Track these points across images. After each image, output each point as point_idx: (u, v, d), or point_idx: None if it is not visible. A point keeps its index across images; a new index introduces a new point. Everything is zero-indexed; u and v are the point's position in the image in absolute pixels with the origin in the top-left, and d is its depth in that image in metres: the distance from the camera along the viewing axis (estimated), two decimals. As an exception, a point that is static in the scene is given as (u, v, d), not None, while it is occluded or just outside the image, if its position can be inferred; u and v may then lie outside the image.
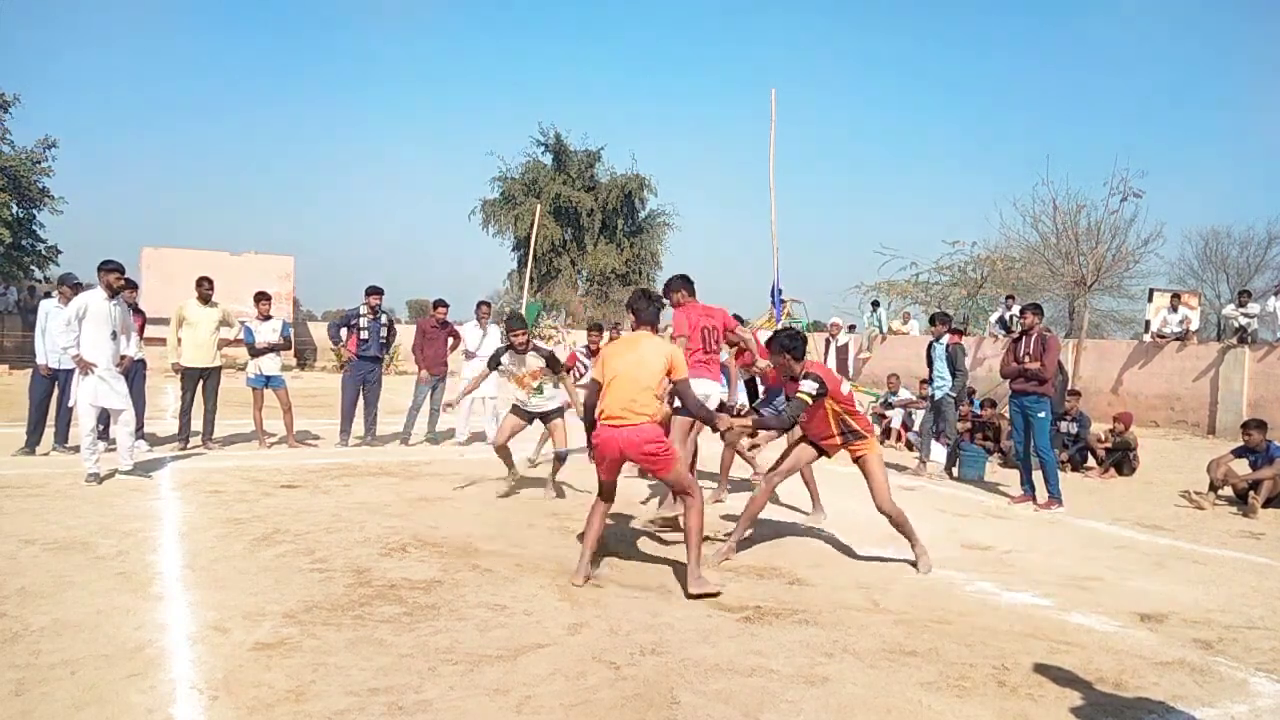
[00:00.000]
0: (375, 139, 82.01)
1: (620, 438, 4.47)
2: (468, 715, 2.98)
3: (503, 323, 7.33)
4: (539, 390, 6.83)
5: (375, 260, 75.59)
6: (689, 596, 4.35)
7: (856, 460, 5.20)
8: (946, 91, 74.06)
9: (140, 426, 8.59)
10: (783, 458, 5.46)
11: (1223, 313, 17.29)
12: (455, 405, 7.94)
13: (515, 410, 6.90)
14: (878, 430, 12.13)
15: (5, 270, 22.56)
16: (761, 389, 7.26)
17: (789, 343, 5.14)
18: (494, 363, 6.87)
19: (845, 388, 5.18)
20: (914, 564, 5.12)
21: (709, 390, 5.90)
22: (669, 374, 4.58)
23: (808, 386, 4.92)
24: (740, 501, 7.11)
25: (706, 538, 5.75)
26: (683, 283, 6.17)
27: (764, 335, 7.08)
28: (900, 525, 5.18)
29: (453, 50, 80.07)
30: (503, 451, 6.94)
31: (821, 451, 5.30)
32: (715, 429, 5.11)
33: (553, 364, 6.81)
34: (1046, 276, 18.66)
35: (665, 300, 5.99)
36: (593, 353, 8.72)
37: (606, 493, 4.69)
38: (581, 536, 4.81)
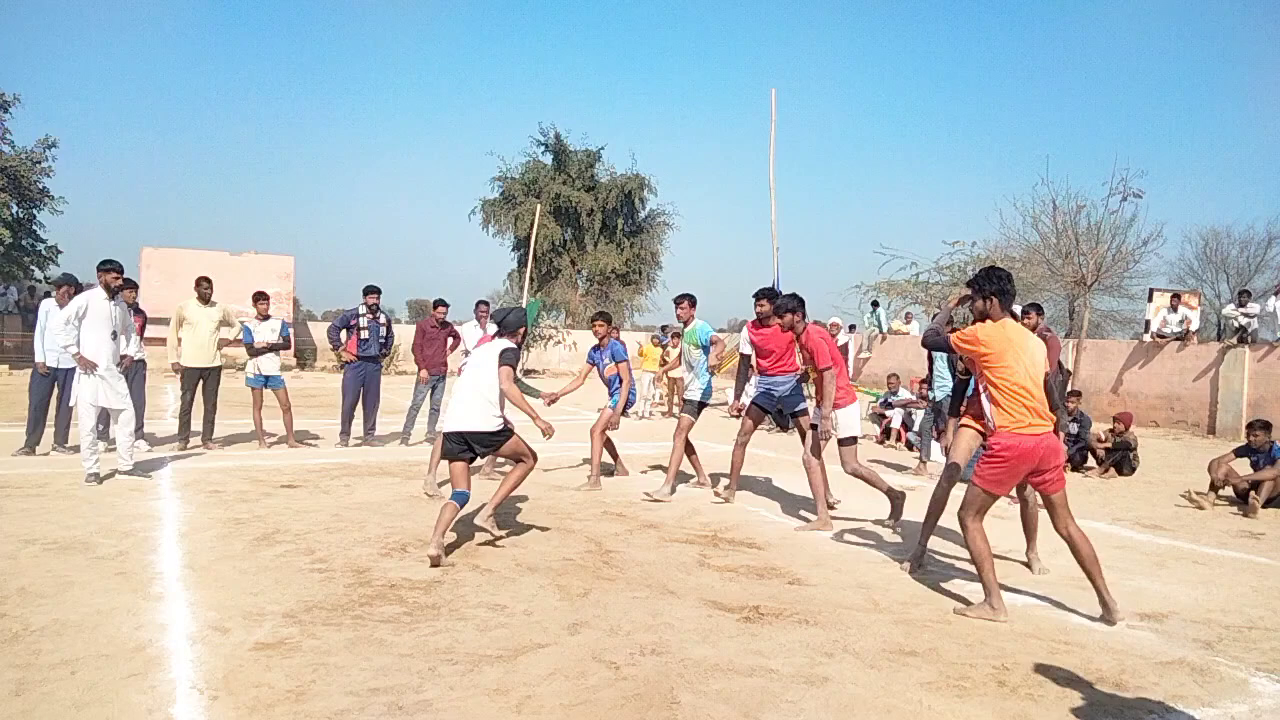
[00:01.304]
0: (375, 139, 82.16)
1: (1044, 444, 4.16)
2: (468, 715, 2.98)
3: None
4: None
5: (375, 260, 75.69)
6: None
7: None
8: (947, 91, 74.12)
9: (140, 426, 8.59)
10: (958, 444, 5.15)
11: (1223, 313, 17.29)
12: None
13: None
14: (877, 430, 12.14)
15: (5, 270, 22.58)
16: (753, 376, 7.18)
17: (1003, 284, 4.38)
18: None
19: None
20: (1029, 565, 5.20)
21: (856, 413, 6.17)
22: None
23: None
24: (738, 503, 7.10)
25: (713, 535, 5.76)
26: (800, 303, 6.10)
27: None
28: (1026, 518, 5.20)
29: (453, 50, 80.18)
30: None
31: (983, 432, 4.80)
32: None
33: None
34: (1046, 276, 18.65)
35: (780, 317, 6.10)
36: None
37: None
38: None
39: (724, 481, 7.21)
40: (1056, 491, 4.27)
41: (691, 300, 7.60)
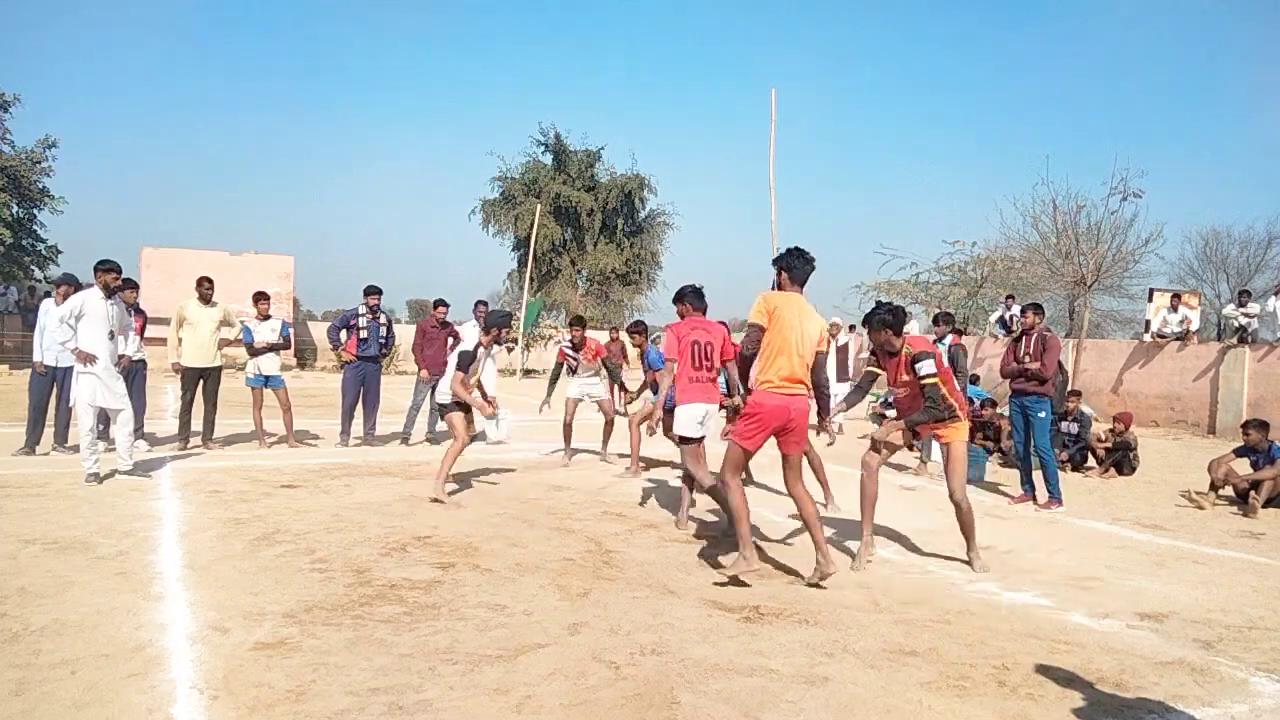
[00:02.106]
0: (376, 139, 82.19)
1: (792, 405, 4.50)
2: (468, 715, 2.98)
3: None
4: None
5: (375, 260, 75.71)
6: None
7: (943, 443, 5.07)
8: (947, 91, 74.12)
9: (140, 426, 8.59)
10: (875, 443, 5.25)
11: (1223, 313, 17.31)
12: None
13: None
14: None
15: (5, 270, 22.59)
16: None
17: (891, 317, 4.91)
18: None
19: (944, 359, 5.05)
20: (969, 563, 5.12)
21: (697, 413, 5.70)
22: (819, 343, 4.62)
23: (928, 367, 4.78)
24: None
25: (713, 534, 5.74)
26: (691, 294, 5.94)
27: None
28: (964, 520, 5.11)
29: (453, 50, 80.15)
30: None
31: (915, 434, 5.11)
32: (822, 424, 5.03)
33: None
34: (1046, 276, 18.67)
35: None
36: (575, 346, 8.81)
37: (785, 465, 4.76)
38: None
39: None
40: (794, 453, 4.65)
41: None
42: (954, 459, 5.05)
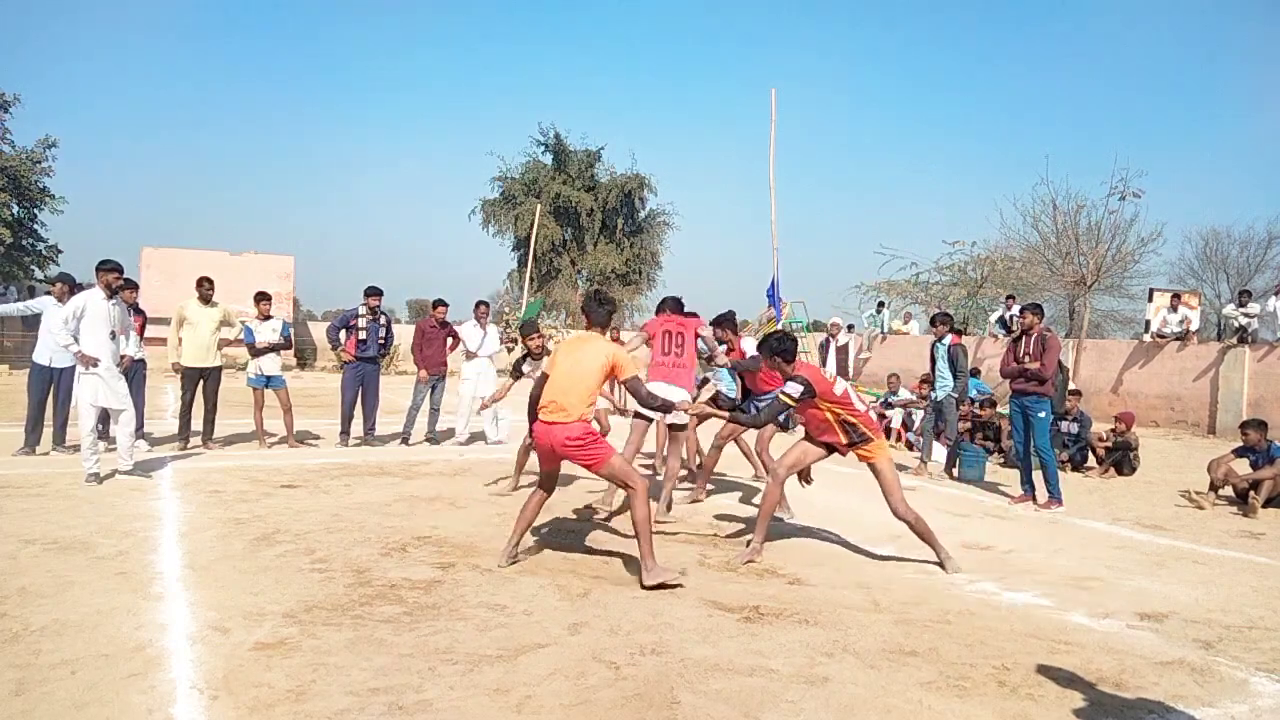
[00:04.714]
0: (376, 139, 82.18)
1: (549, 433, 4.67)
2: (468, 715, 2.98)
3: (517, 331, 7.43)
4: None
5: (375, 260, 75.71)
6: (645, 588, 4.43)
7: (867, 463, 5.19)
8: (947, 91, 74.15)
9: (140, 426, 8.59)
10: (788, 452, 5.45)
11: (1223, 313, 17.30)
12: (485, 407, 8.39)
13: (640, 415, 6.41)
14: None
15: (5, 270, 22.58)
16: (739, 389, 7.26)
17: (779, 345, 5.19)
18: (516, 373, 7.12)
19: (840, 388, 5.14)
20: (940, 565, 5.10)
21: (673, 394, 5.99)
22: (614, 373, 4.75)
23: (790, 389, 4.98)
24: (731, 501, 7.11)
25: (712, 535, 5.76)
26: (668, 303, 6.77)
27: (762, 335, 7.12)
28: (919, 530, 5.16)
29: (453, 50, 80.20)
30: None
31: (830, 449, 5.29)
32: (669, 413, 5.35)
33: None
34: (1046, 276, 18.68)
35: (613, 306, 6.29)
36: (535, 356, 8.21)
37: (545, 482, 4.96)
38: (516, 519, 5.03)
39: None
40: (596, 471, 4.74)
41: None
42: (880, 477, 5.14)
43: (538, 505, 4.98)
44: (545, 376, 4.88)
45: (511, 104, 75.64)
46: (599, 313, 5.06)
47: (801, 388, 4.96)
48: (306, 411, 12.07)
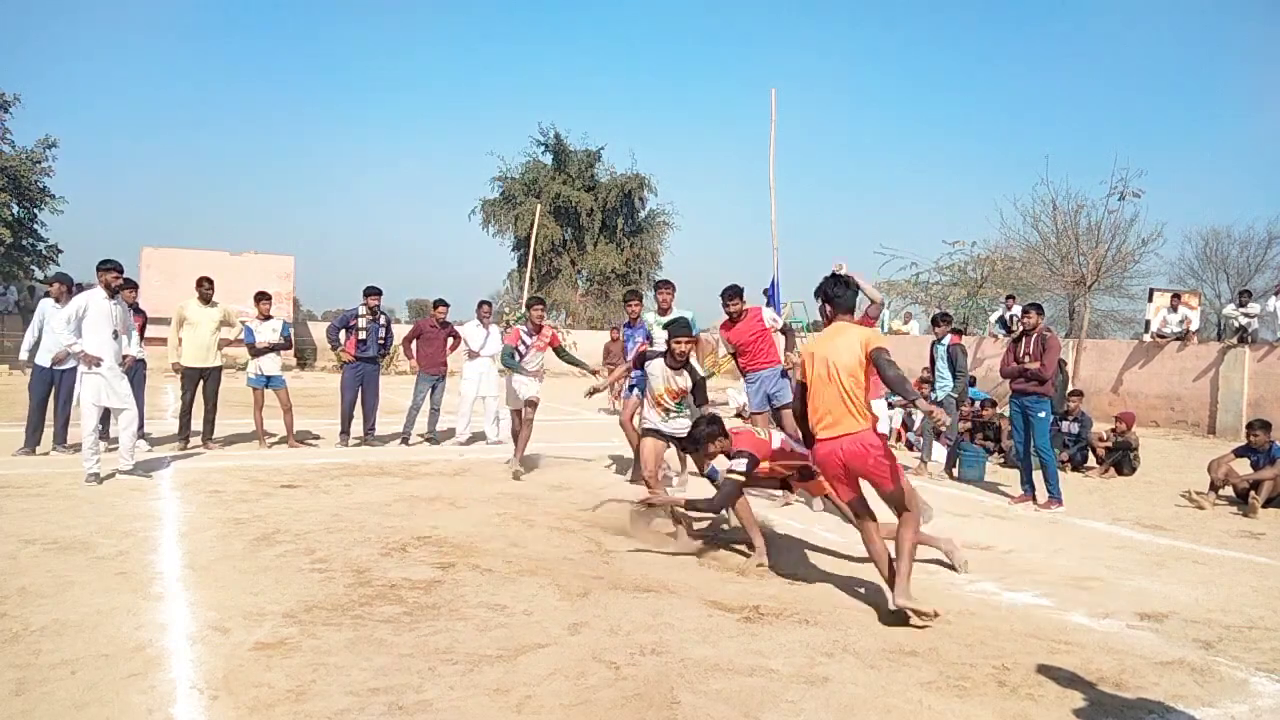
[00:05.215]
0: (375, 139, 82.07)
1: (839, 450, 4.13)
2: (468, 715, 2.98)
3: (663, 329, 6.58)
4: (674, 411, 5.89)
5: (375, 260, 75.57)
6: (892, 610, 4.04)
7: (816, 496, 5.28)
8: (947, 91, 74.15)
9: (141, 426, 8.59)
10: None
11: (1223, 313, 17.31)
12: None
13: (651, 433, 5.96)
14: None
15: (5, 270, 22.60)
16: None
17: (709, 430, 5.01)
18: (640, 361, 6.09)
19: (775, 441, 5.11)
20: (951, 566, 5.10)
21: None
22: (866, 357, 4.09)
23: (736, 465, 4.88)
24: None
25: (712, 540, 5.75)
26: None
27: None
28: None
29: (452, 50, 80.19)
30: (652, 479, 5.90)
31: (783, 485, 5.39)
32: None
33: (698, 391, 5.83)
34: (1046, 276, 18.66)
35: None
36: (536, 329, 8.11)
37: (859, 509, 4.32)
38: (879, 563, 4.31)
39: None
40: (886, 490, 4.32)
41: (671, 286, 7.74)
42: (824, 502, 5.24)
43: (880, 536, 4.27)
44: (803, 387, 4.33)
45: (511, 104, 75.49)
46: (845, 296, 4.44)
47: (746, 460, 4.87)
48: (306, 411, 12.06)
